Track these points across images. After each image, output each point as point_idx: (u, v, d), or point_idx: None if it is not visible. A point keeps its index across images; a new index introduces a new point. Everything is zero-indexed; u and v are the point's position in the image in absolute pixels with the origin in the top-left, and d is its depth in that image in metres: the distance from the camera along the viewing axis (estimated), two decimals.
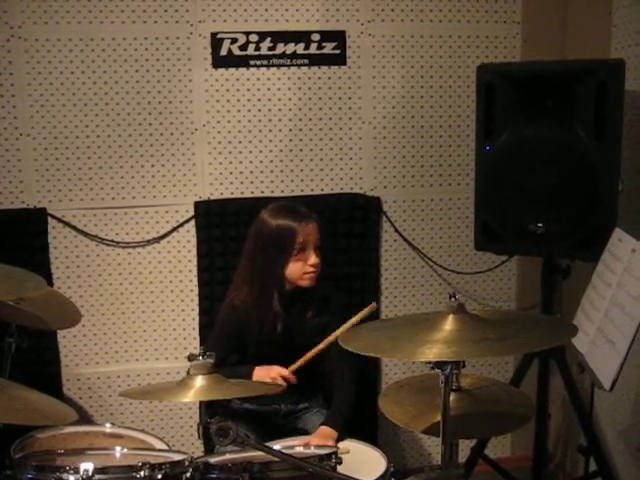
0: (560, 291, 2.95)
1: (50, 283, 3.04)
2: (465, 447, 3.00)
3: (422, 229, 3.31)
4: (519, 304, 3.42)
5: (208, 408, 2.94)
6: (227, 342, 2.60)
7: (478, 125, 2.77)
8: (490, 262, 3.33)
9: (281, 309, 2.53)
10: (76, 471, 1.61)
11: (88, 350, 3.16)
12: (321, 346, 2.46)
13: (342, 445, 2.36)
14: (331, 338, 2.41)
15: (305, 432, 2.51)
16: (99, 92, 3.01)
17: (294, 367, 2.48)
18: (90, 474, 1.61)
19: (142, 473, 1.65)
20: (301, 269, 2.53)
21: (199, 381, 1.58)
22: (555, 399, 3.21)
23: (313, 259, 2.52)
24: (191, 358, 1.58)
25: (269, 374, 2.46)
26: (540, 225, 2.66)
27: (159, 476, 1.67)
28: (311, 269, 2.53)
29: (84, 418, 3.15)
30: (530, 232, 2.68)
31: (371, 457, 2.29)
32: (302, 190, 3.20)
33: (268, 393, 2.40)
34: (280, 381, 2.42)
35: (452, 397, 2.08)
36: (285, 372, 2.45)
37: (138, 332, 3.18)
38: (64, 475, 1.62)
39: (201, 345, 3.11)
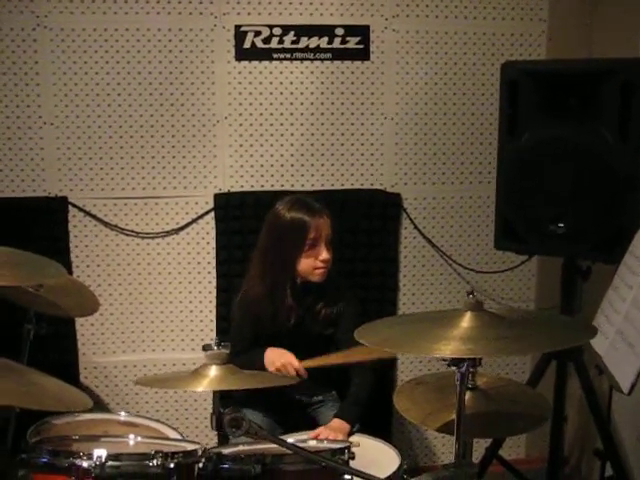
0: (580, 292, 2.92)
1: (70, 272, 3.05)
2: (479, 447, 2.99)
3: (442, 227, 3.29)
4: (538, 305, 3.39)
5: (224, 397, 2.99)
6: (246, 334, 2.61)
7: (501, 123, 2.75)
8: (510, 262, 3.30)
9: (293, 302, 2.53)
10: (89, 457, 1.62)
11: (105, 339, 3.18)
12: (339, 360, 2.43)
13: (353, 439, 2.35)
14: (353, 356, 2.37)
15: (318, 426, 2.50)
16: (122, 82, 3.02)
17: (307, 364, 2.46)
18: (103, 460, 1.61)
19: (155, 461, 1.65)
20: (312, 264, 2.53)
21: (213, 371, 1.58)
22: (572, 401, 3.17)
23: (324, 255, 2.52)
24: (206, 348, 1.59)
25: (280, 358, 2.45)
26: (561, 225, 2.63)
27: (171, 465, 1.67)
28: (321, 265, 2.53)
29: (100, 406, 3.17)
30: (551, 232, 2.65)
31: (384, 454, 2.27)
32: (322, 185, 3.19)
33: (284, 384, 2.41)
34: (290, 369, 2.42)
35: (468, 396, 2.07)
36: (296, 363, 2.43)
37: (155, 322, 3.20)
38: (77, 461, 1.63)
39: (217, 336, 3.14)
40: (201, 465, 1.70)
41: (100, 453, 1.63)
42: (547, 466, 3.01)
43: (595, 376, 2.64)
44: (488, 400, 2.10)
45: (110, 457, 1.63)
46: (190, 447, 1.84)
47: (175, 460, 1.68)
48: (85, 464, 1.63)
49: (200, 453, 1.75)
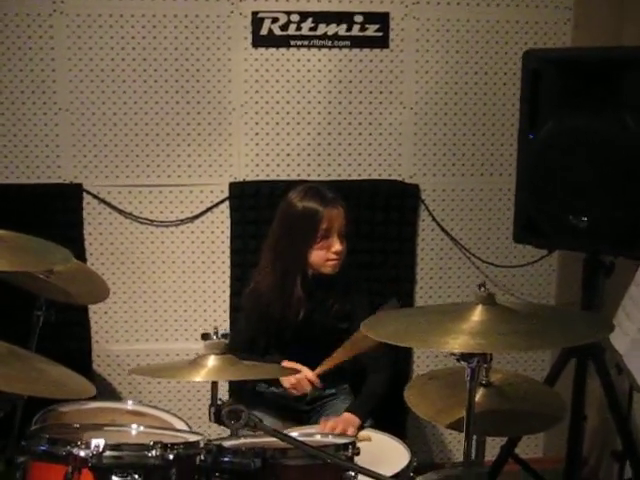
0: (602, 289, 2.84)
1: (83, 259, 3.04)
2: (495, 445, 2.93)
3: (461, 219, 3.22)
4: (558, 301, 3.31)
5: (235, 392, 2.96)
6: (253, 326, 2.57)
7: (522, 113, 2.67)
8: (530, 256, 3.22)
9: (303, 294, 2.47)
10: (87, 446, 1.59)
11: (119, 327, 3.16)
12: (350, 351, 2.38)
13: (364, 434, 2.31)
14: (359, 343, 2.34)
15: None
16: (138, 69, 2.99)
17: (321, 370, 2.42)
18: (101, 450, 1.58)
19: (154, 452, 1.61)
20: (324, 256, 2.47)
21: (212, 361, 1.54)
22: (592, 401, 3.09)
23: (337, 246, 2.46)
24: (205, 337, 1.55)
25: (295, 374, 2.40)
26: (584, 219, 2.55)
27: (171, 456, 1.63)
28: (334, 256, 2.47)
29: (112, 395, 3.16)
30: (572, 226, 2.57)
31: (395, 450, 2.23)
32: (339, 175, 3.14)
33: (293, 393, 2.37)
34: (306, 384, 2.39)
35: (481, 392, 2.03)
36: (311, 375, 2.39)
37: (169, 311, 3.17)
38: (75, 450, 1.60)
39: (232, 326, 3.12)
40: (202, 457, 1.66)
41: (98, 442, 1.59)
42: (564, 466, 2.94)
43: (615, 375, 2.56)
44: (502, 397, 2.05)
45: (108, 447, 1.60)
46: (192, 438, 1.80)
47: (175, 451, 1.64)
48: (82, 453, 1.59)
49: (202, 445, 1.71)
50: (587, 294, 2.71)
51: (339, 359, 2.38)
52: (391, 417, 2.55)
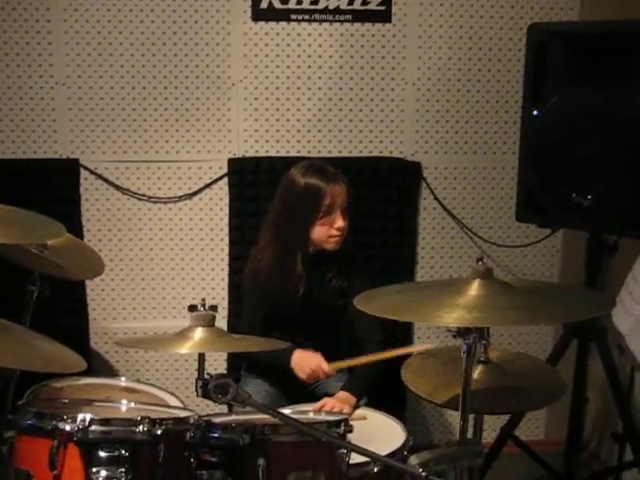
0: (606, 268, 2.79)
1: (81, 236, 3.01)
2: (495, 426, 2.89)
3: (463, 198, 3.17)
4: (562, 281, 3.26)
5: (233, 367, 2.94)
6: (257, 310, 2.56)
7: (526, 88, 2.61)
8: (533, 236, 3.17)
9: (303, 271, 2.44)
10: (73, 420, 1.56)
11: (116, 305, 3.13)
12: (371, 358, 2.38)
13: (360, 412, 2.28)
14: (384, 355, 2.35)
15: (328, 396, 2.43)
16: (135, 43, 2.94)
17: (336, 366, 2.40)
18: (87, 424, 1.55)
19: (141, 427, 1.58)
20: (327, 232, 2.44)
21: (198, 333, 1.51)
22: (595, 383, 3.05)
23: (339, 222, 2.43)
24: (192, 309, 1.51)
25: (310, 364, 2.38)
26: (588, 197, 2.49)
27: (159, 432, 1.60)
28: (336, 233, 2.44)
29: (109, 372, 3.14)
30: (576, 204, 2.51)
31: (390, 429, 2.20)
32: (339, 151, 3.09)
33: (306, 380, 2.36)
34: (321, 374, 2.37)
35: (478, 369, 1.99)
36: (326, 367, 2.37)
37: (167, 289, 3.14)
38: (60, 424, 1.57)
39: (230, 304, 3.09)
40: (191, 433, 1.63)
41: (84, 417, 1.56)
42: (565, 448, 2.91)
43: (617, 356, 2.52)
44: (500, 374, 2.01)
45: (94, 421, 1.57)
46: (183, 415, 1.77)
47: (163, 427, 1.61)
48: (68, 427, 1.56)
49: (192, 421, 1.68)
50: (590, 274, 2.66)
51: (358, 362, 2.37)
52: (390, 398, 2.52)
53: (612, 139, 2.43)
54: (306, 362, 2.38)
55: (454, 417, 3.32)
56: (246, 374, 2.55)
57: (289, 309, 2.50)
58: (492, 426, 2.99)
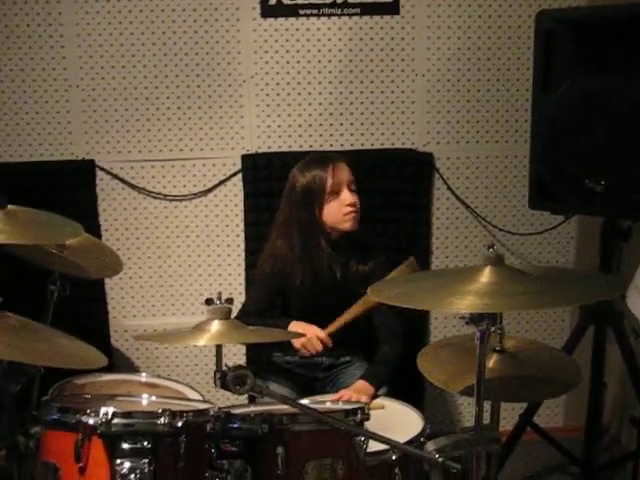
0: (620, 254, 2.79)
1: (98, 235, 3.05)
2: (514, 414, 2.91)
3: (476, 187, 3.18)
4: (577, 268, 3.25)
5: (251, 362, 2.97)
6: (269, 295, 2.58)
7: (535, 76, 2.61)
8: (547, 224, 3.18)
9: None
10: (96, 414, 1.60)
11: (135, 302, 3.18)
12: (360, 309, 2.39)
13: (378, 402, 2.30)
14: (370, 301, 2.33)
15: (345, 387, 2.45)
16: (147, 43, 2.98)
17: (331, 329, 2.41)
18: (109, 417, 1.59)
19: (162, 419, 1.62)
20: (339, 210, 2.45)
21: (215, 326, 1.53)
22: (613, 369, 3.06)
23: (349, 198, 2.44)
24: (208, 302, 1.54)
25: (306, 331, 2.39)
26: (602, 183, 2.49)
27: (179, 423, 1.64)
28: (349, 209, 2.45)
29: (130, 369, 3.18)
30: (589, 190, 2.51)
31: (409, 417, 2.22)
32: (351, 145, 3.11)
33: (304, 354, 2.36)
34: (316, 343, 2.37)
35: (494, 359, 2.01)
36: (322, 334, 2.38)
37: (185, 285, 3.18)
38: (84, 417, 1.61)
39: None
40: (211, 425, 1.66)
41: (106, 410, 1.60)
42: (584, 435, 2.91)
43: (633, 341, 2.52)
44: (516, 363, 2.02)
45: (117, 414, 1.61)
46: (202, 407, 1.81)
47: (183, 419, 1.65)
48: (91, 421, 1.61)
49: (212, 413, 1.71)
50: (604, 259, 2.67)
51: (349, 318, 2.37)
52: (408, 387, 2.54)
53: (623, 124, 2.43)
54: (302, 331, 2.37)
55: (473, 406, 3.33)
56: (265, 375, 2.57)
57: (304, 296, 2.52)
58: (511, 414, 3.00)
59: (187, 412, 1.68)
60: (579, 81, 2.51)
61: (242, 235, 3.14)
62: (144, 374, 2.30)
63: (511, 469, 2.88)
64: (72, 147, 3.04)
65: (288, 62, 3.03)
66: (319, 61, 3.04)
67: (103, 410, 1.60)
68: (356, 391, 2.31)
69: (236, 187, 3.11)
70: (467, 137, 3.13)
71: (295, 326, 2.39)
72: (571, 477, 2.98)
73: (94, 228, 3.02)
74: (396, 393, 2.45)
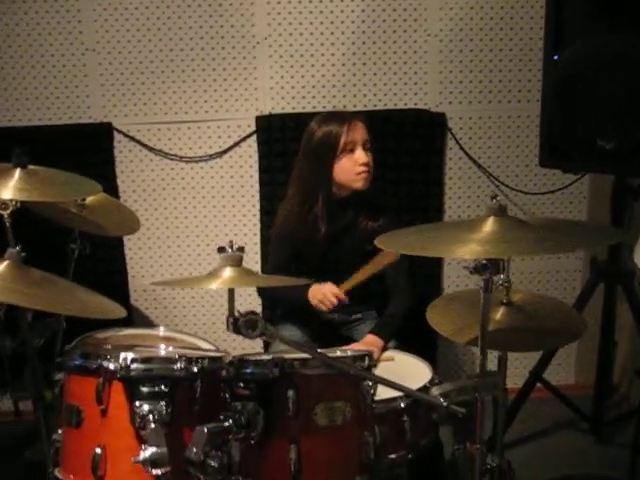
0: (631, 212, 2.81)
1: (116, 196, 3.13)
2: (525, 370, 2.96)
3: (489, 147, 3.20)
4: None
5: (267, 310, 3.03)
6: (283, 250, 2.64)
7: (547, 33, 2.62)
8: (560, 183, 3.20)
9: (325, 212, 2.50)
10: (116, 359, 1.68)
11: (153, 262, 3.26)
12: (373, 268, 2.41)
13: (387, 354, 2.36)
14: (383, 260, 2.37)
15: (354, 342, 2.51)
16: (161, 5, 3.01)
17: (347, 287, 2.45)
18: (129, 362, 1.67)
19: (179, 365, 1.69)
20: (352, 169, 2.47)
21: (228, 272, 1.60)
22: (623, 326, 3.09)
23: (363, 157, 2.46)
24: (220, 250, 1.60)
25: (322, 289, 2.45)
26: (612, 141, 2.50)
27: (195, 369, 1.71)
28: (362, 168, 2.46)
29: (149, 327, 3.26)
30: (599, 149, 2.53)
31: (418, 369, 2.27)
32: (365, 105, 3.13)
33: (321, 309, 2.43)
34: (332, 298, 2.42)
35: (501, 311, 2.06)
36: (336, 290, 2.43)
37: (202, 245, 3.25)
38: (105, 362, 1.69)
39: (262, 259, 3.19)
40: (226, 371, 1.73)
41: (126, 355, 1.68)
42: (594, 392, 2.96)
43: None
44: (522, 315, 2.06)
45: (135, 360, 1.68)
46: (217, 355, 1.88)
47: (199, 364, 1.72)
48: (112, 366, 1.68)
49: (226, 360, 1.78)
50: (615, 217, 2.69)
51: (363, 276, 2.41)
52: (421, 343, 2.59)
53: (633, 82, 2.44)
54: (318, 288, 2.45)
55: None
56: (279, 320, 2.64)
57: (313, 251, 2.56)
58: (522, 372, 3.05)
59: (202, 358, 1.75)
60: (590, 39, 2.52)
61: (257, 195, 3.20)
62: (162, 328, 2.37)
63: (520, 425, 2.93)
64: (90, 110, 3.10)
65: (301, 23, 3.05)
66: (332, 22, 3.05)
67: (122, 355, 1.68)
68: (366, 344, 2.37)
69: (251, 148, 3.16)
70: (479, 97, 3.15)
71: (313, 287, 2.45)
72: (580, 433, 3.03)
73: (112, 190, 3.09)
74: (409, 346, 2.50)
